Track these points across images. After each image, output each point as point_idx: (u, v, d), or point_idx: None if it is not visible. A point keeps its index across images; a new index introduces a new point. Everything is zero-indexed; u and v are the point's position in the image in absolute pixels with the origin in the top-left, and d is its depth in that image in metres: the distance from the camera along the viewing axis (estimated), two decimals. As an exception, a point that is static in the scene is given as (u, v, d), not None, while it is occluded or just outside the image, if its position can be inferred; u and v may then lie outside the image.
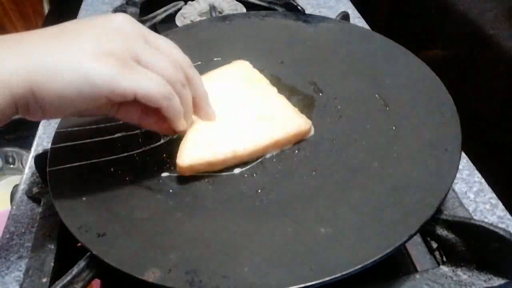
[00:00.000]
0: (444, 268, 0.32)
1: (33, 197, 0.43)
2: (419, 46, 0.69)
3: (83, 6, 0.77)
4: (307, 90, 0.45)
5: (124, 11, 0.70)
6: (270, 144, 0.38)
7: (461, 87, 0.54)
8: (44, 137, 0.51)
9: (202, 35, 0.55)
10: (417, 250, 0.36)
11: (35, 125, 0.53)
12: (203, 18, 0.66)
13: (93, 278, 0.33)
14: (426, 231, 0.35)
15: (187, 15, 0.66)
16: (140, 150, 0.41)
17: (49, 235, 0.38)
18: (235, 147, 0.38)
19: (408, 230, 0.30)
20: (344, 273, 0.28)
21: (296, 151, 0.39)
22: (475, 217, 0.38)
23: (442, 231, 0.33)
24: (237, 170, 0.38)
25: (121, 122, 0.44)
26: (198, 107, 0.38)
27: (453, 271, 0.32)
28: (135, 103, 0.32)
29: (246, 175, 0.38)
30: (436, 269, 0.32)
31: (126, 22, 0.33)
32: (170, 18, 0.68)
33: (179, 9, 0.69)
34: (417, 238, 0.37)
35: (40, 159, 0.41)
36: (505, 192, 0.41)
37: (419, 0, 0.69)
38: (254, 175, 0.38)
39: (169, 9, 0.68)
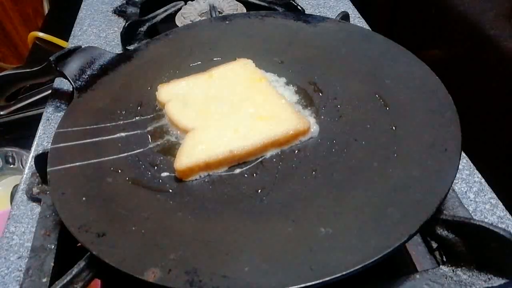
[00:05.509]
0: (444, 268, 0.32)
1: (33, 197, 0.43)
2: (419, 46, 0.69)
3: (83, 6, 0.77)
4: (307, 90, 0.45)
5: (124, 11, 0.70)
6: (268, 144, 0.38)
7: (461, 87, 0.54)
8: (44, 137, 0.51)
9: (202, 35, 0.55)
10: (417, 250, 0.36)
11: (35, 125, 0.53)
12: (203, 18, 0.66)
13: (93, 278, 0.33)
14: (426, 231, 0.35)
15: (187, 15, 0.66)
16: (140, 150, 0.41)
17: (49, 235, 0.38)
18: (233, 147, 0.38)
19: (408, 230, 0.30)
20: (344, 273, 0.28)
21: (296, 151, 0.39)
22: (475, 217, 0.38)
23: (442, 231, 0.33)
24: (237, 170, 0.38)
25: (121, 122, 0.44)
26: None
27: (453, 271, 0.32)
28: None
29: (246, 175, 0.38)
30: (436, 269, 0.32)
31: None
32: (170, 18, 0.68)
33: (179, 9, 0.69)
34: (417, 238, 0.37)
35: (40, 159, 0.41)
36: (505, 192, 0.41)
37: (419, 0, 0.69)
38: (254, 175, 0.38)
39: (169, 9, 0.68)
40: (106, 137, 0.42)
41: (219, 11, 0.66)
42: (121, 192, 0.37)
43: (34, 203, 0.43)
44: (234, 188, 0.37)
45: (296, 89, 0.45)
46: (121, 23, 0.71)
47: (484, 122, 0.58)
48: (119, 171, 0.39)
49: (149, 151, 0.41)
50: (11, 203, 0.46)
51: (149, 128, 0.44)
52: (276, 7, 0.66)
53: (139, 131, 0.43)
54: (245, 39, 0.53)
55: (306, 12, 0.65)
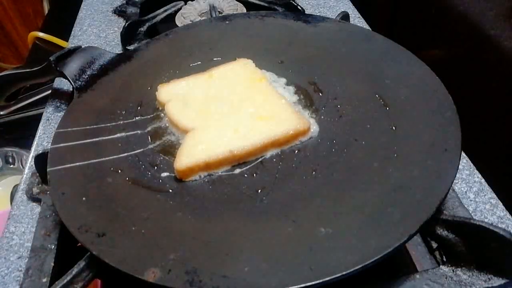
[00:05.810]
0: (444, 268, 0.32)
1: (33, 197, 0.43)
2: (419, 46, 0.69)
3: (83, 6, 0.77)
4: (307, 90, 0.45)
5: (124, 11, 0.70)
6: (268, 144, 0.38)
7: (461, 87, 0.54)
8: (44, 137, 0.51)
9: (202, 35, 0.55)
10: (417, 250, 0.36)
11: (35, 125, 0.53)
12: (203, 18, 0.66)
13: (93, 278, 0.33)
14: (426, 231, 0.35)
15: (187, 15, 0.66)
16: (140, 150, 0.41)
17: (49, 235, 0.38)
18: (233, 147, 0.38)
19: (408, 230, 0.30)
20: (344, 273, 0.28)
21: (296, 151, 0.39)
22: (475, 217, 0.38)
23: (442, 231, 0.33)
24: (237, 170, 0.38)
25: (121, 122, 0.44)
26: None
27: (453, 271, 0.32)
28: None
29: (246, 175, 0.38)
30: (436, 269, 0.33)
31: None
32: (170, 18, 0.68)
33: (179, 9, 0.69)
34: (417, 238, 0.37)
35: (40, 159, 0.41)
36: (505, 192, 0.41)
37: (419, 0, 0.69)
38: (254, 175, 0.38)
39: (169, 9, 0.68)
40: (106, 137, 0.42)
41: (219, 11, 0.66)
42: (121, 192, 0.37)
43: (34, 203, 0.43)
44: (234, 188, 0.37)
45: (296, 89, 0.45)
46: (121, 23, 0.71)
47: (484, 122, 0.58)
48: (119, 171, 0.39)
49: (149, 151, 0.41)
50: (11, 203, 0.46)
51: (149, 128, 0.44)
52: (276, 7, 0.66)
53: (139, 131, 0.43)
54: (245, 39, 0.53)
55: (306, 12, 0.65)
